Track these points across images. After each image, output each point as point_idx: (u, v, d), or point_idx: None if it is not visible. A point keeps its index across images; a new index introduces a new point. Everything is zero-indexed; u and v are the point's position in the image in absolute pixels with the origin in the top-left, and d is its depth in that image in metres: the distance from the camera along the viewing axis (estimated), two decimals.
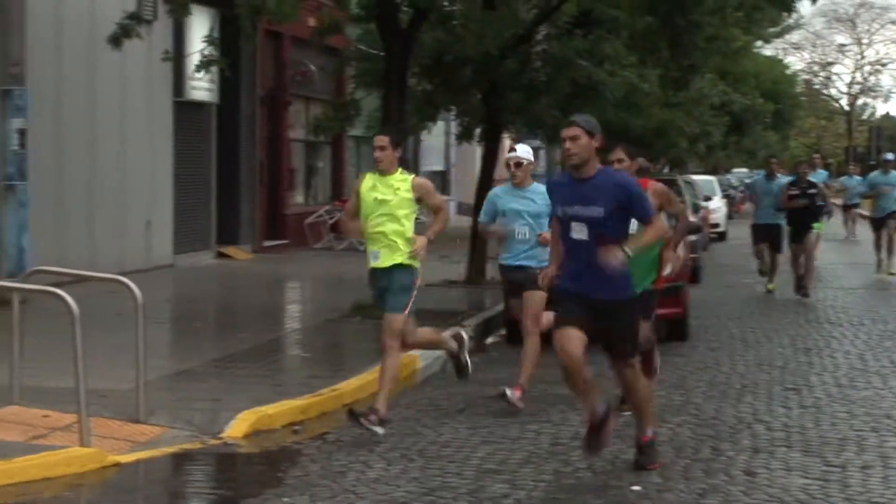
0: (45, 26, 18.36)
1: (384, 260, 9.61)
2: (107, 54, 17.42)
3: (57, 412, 9.47)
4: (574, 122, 8.12)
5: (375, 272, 9.70)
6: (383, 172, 9.62)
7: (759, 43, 48.78)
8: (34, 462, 8.28)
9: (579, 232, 8.00)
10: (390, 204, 9.55)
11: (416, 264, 9.65)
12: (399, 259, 9.58)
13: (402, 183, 9.60)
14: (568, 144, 8.00)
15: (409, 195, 9.59)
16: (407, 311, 9.61)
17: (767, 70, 52.50)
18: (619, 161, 9.64)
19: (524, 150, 10.83)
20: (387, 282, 9.63)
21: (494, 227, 10.87)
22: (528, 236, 10.66)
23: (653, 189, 9.77)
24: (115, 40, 16.03)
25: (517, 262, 10.68)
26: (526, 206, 10.70)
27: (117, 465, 8.55)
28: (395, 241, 9.59)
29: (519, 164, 10.70)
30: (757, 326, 16.17)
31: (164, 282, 20.05)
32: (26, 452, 8.42)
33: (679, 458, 8.79)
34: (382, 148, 9.56)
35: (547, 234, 9.94)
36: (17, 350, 9.72)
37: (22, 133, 16.23)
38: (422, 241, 9.59)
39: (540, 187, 10.64)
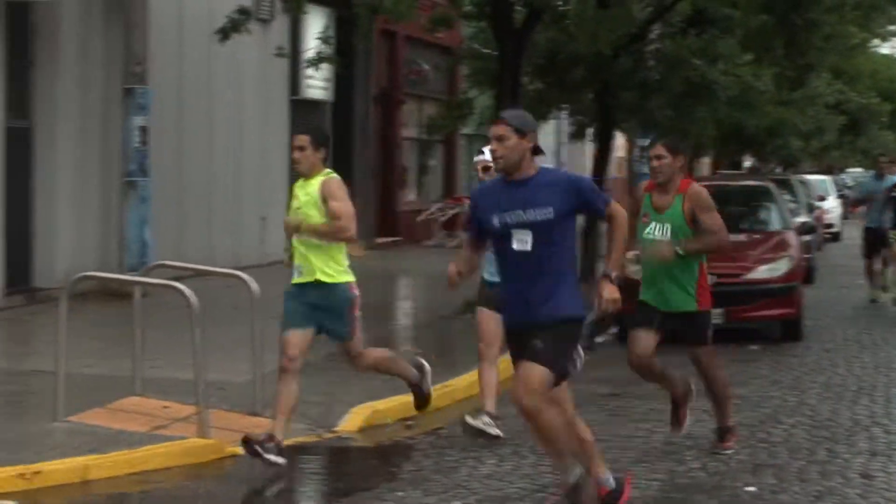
0: (167, 25, 18.71)
1: (308, 274, 8.55)
2: (225, 53, 17.72)
3: (176, 403, 9.68)
4: (502, 120, 6.95)
5: (298, 286, 8.63)
6: (304, 176, 8.57)
7: (875, 41, 47.96)
8: (155, 451, 8.49)
9: (522, 242, 6.78)
10: (302, 211, 8.53)
11: (348, 278, 8.60)
12: (323, 277, 8.50)
13: (315, 186, 8.53)
14: (494, 146, 6.86)
15: (317, 196, 8.48)
16: (357, 335, 8.72)
17: (884, 69, 51.57)
18: (659, 158, 8.59)
19: None
20: (314, 297, 8.55)
21: None
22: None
23: (690, 192, 8.61)
24: (224, 33, 16.33)
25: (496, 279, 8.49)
26: None
27: (235, 456, 8.71)
28: (313, 254, 8.52)
29: (487, 169, 9.04)
30: (872, 328, 15.93)
31: (278, 277, 20.24)
32: (147, 442, 8.64)
33: (794, 460, 8.73)
34: (301, 148, 8.50)
35: None
36: (139, 343, 9.94)
37: (143, 131, 16.59)
38: (294, 220, 8.52)
39: None
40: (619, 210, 6.97)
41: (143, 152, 16.62)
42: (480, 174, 9.25)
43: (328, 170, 8.58)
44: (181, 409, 9.51)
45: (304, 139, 8.51)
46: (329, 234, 8.46)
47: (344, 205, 8.49)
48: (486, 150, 8.94)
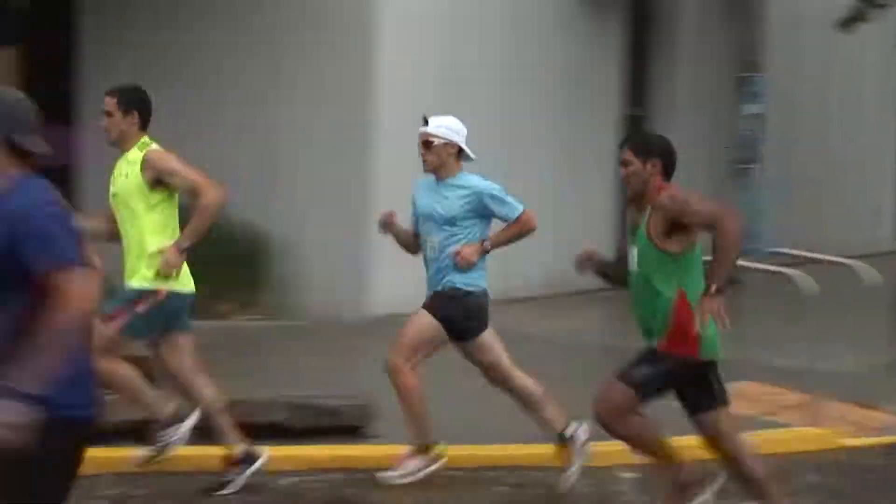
0: (785, 17, 18.72)
1: (127, 273, 6.86)
2: (842, 43, 17.51)
3: (786, 390, 9.66)
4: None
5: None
6: (120, 148, 6.89)
7: None
8: (764, 436, 8.52)
9: None
10: (120, 197, 6.83)
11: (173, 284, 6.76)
12: (139, 282, 6.74)
13: (133, 165, 6.79)
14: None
15: (140, 178, 6.74)
16: (118, 326, 6.65)
17: None
18: (625, 165, 6.25)
19: (438, 124, 7.30)
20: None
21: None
22: (437, 251, 7.30)
23: (657, 203, 6.18)
24: (847, 24, 16.09)
25: (433, 288, 7.35)
26: (437, 205, 7.30)
27: (844, 448, 8.56)
28: (133, 251, 6.83)
29: (428, 144, 7.27)
30: None
31: (891, 266, 19.71)
32: (756, 427, 8.65)
33: None
34: (108, 114, 6.83)
35: (469, 249, 7.18)
36: (752, 329, 10.03)
37: (757, 118, 16.71)
38: (171, 255, 6.65)
39: (468, 178, 7.32)
40: (82, 284, 3.73)
41: (756, 140, 16.76)
42: (421, 150, 7.35)
43: (145, 138, 6.87)
44: (791, 397, 9.50)
45: (109, 102, 6.86)
46: (203, 226, 6.70)
47: (195, 175, 6.74)
48: (431, 119, 7.35)
